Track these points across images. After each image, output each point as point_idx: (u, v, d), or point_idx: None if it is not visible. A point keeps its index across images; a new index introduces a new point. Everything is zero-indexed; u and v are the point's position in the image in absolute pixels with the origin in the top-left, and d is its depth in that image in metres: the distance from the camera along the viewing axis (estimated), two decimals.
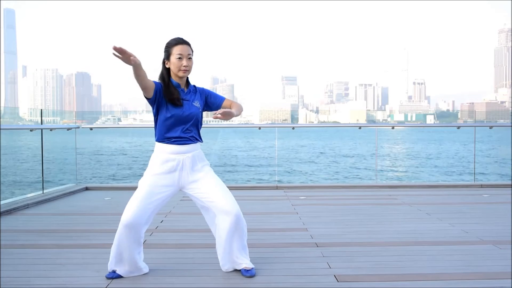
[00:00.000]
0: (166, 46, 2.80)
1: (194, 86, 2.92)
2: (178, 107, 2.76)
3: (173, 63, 2.75)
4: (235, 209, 2.76)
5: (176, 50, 2.74)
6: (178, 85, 2.81)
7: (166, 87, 2.76)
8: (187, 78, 2.86)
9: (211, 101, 2.94)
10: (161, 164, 2.77)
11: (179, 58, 2.73)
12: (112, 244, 2.69)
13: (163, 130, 2.77)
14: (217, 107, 2.93)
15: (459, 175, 22.94)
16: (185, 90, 2.85)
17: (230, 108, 2.89)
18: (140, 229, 2.76)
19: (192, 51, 2.79)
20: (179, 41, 2.76)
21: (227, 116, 2.75)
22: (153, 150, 2.84)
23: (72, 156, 7.60)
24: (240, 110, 2.90)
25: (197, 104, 2.84)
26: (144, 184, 2.77)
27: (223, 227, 2.79)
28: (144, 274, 2.86)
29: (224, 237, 2.81)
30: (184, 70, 2.75)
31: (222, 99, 2.97)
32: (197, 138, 2.85)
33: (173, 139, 2.77)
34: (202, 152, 2.90)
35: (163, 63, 2.82)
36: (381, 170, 24.19)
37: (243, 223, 2.83)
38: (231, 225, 2.76)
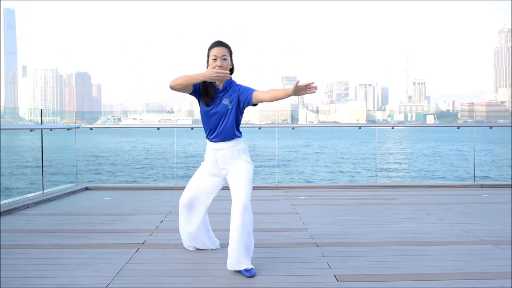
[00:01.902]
0: (207, 50, 3.01)
1: (231, 83, 3.02)
2: (208, 106, 3.01)
3: (209, 64, 2.97)
4: (244, 200, 2.89)
5: (212, 52, 2.95)
6: (215, 84, 3.02)
7: (203, 87, 3.02)
8: (231, 78, 3.03)
9: (242, 98, 3.01)
10: (205, 156, 3.18)
11: (214, 59, 2.93)
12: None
13: (204, 127, 3.11)
14: (247, 102, 2.99)
15: (459, 175, 22.94)
16: (220, 88, 3.01)
17: (264, 95, 2.91)
18: (195, 208, 3.23)
19: (230, 53, 2.99)
20: (216, 44, 2.97)
21: (300, 91, 2.74)
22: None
23: (72, 156, 7.60)
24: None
25: (226, 101, 2.99)
26: (197, 171, 3.24)
27: (232, 216, 2.93)
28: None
29: (233, 228, 2.90)
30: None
31: (251, 91, 2.99)
32: (237, 134, 3.03)
33: (210, 137, 3.07)
34: (240, 149, 3.05)
35: (207, 64, 3.02)
36: (381, 170, 24.19)
37: (249, 217, 2.89)
38: (238, 215, 2.87)
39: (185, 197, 3.23)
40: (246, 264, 2.85)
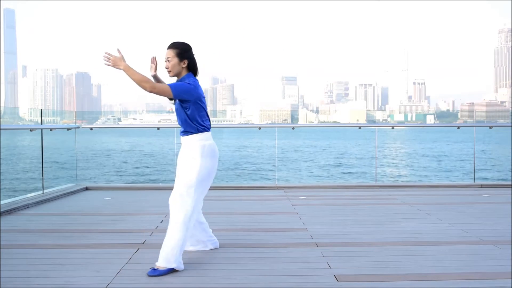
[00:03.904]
0: None
1: (186, 81, 3.09)
2: (174, 104, 3.15)
3: None
4: (170, 202, 3.09)
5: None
6: None
7: None
8: (189, 74, 3.11)
9: None
10: None
11: (165, 61, 3.10)
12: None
13: None
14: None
15: (459, 175, 22.94)
16: None
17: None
18: None
19: (176, 54, 3.05)
20: (167, 47, 3.11)
21: (115, 62, 2.92)
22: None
23: (72, 156, 7.60)
24: (139, 79, 2.90)
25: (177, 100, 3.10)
26: None
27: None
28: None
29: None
30: (167, 71, 3.10)
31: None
32: (186, 131, 3.10)
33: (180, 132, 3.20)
34: (194, 146, 3.07)
35: None
36: (381, 170, 24.19)
37: (173, 221, 3.00)
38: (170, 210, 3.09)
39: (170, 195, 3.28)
40: (160, 257, 2.94)
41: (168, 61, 3.06)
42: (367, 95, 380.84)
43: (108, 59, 2.92)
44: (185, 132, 3.10)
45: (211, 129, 3.22)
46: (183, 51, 3.06)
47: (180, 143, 3.19)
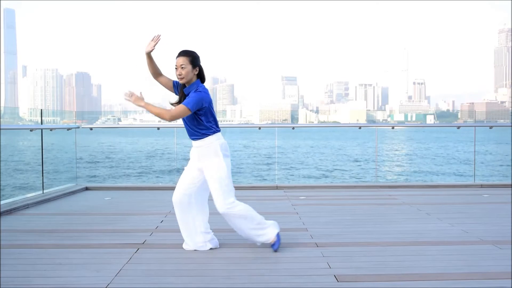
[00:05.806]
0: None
1: (196, 88, 3.22)
2: None
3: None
4: (220, 209, 3.26)
5: (175, 63, 3.24)
6: (184, 88, 3.31)
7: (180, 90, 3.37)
8: (198, 81, 3.27)
9: None
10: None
11: (176, 68, 3.23)
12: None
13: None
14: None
15: (459, 175, 22.94)
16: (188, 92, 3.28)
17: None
18: (185, 204, 3.36)
19: (189, 61, 3.20)
20: (177, 55, 3.25)
21: (135, 100, 3.18)
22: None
23: (72, 156, 7.60)
24: (158, 112, 3.15)
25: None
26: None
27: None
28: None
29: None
30: (179, 78, 3.23)
31: (185, 101, 3.18)
32: (201, 135, 3.25)
33: (190, 136, 3.35)
34: (210, 147, 3.25)
35: None
36: (381, 170, 24.20)
37: (234, 216, 3.28)
38: (227, 221, 3.33)
39: (174, 194, 3.39)
40: (264, 240, 3.32)
41: (182, 68, 3.19)
42: (367, 95, 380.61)
43: (130, 96, 3.18)
44: (203, 135, 3.25)
45: None
46: (194, 58, 3.23)
47: (185, 146, 3.30)
